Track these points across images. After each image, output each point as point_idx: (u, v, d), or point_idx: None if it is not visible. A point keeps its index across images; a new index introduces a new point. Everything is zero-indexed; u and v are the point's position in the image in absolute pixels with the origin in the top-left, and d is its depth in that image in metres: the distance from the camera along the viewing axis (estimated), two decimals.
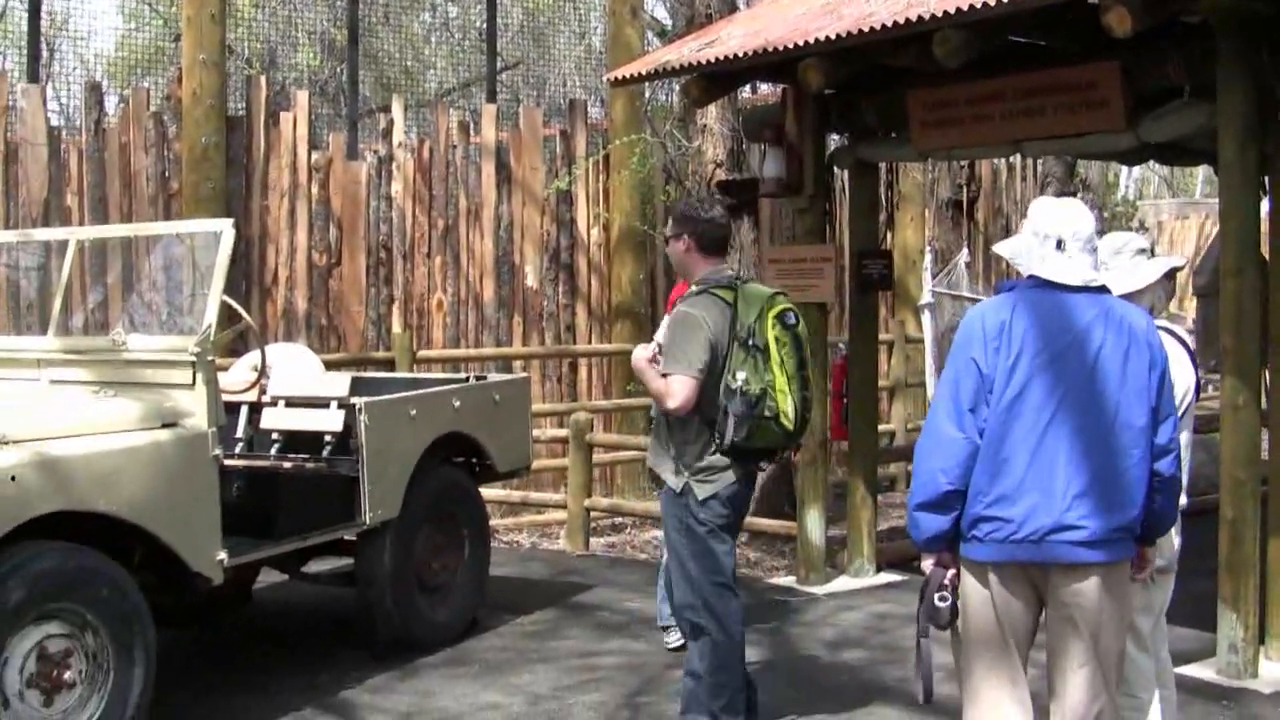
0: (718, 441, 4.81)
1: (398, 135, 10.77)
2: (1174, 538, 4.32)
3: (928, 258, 11.56)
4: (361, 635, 6.39)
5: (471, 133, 11.09)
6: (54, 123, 10.32)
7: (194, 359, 5.28)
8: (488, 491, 7.79)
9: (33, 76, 10.33)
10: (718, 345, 4.82)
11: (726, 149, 9.47)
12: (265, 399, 6.63)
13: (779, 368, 4.80)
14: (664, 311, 6.09)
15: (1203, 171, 25.64)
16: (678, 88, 10.21)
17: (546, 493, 10.20)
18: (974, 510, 3.69)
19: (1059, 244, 3.75)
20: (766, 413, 4.76)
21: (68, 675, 4.71)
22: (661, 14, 17.21)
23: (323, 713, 5.59)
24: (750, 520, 8.16)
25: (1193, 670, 5.87)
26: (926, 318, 10.75)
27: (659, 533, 7.53)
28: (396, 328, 10.49)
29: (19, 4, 14.83)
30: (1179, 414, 4.04)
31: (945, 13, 5.88)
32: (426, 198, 10.81)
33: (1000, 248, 4.04)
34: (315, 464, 6.37)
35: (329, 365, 7.86)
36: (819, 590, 7.72)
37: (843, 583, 7.89)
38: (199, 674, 6.15)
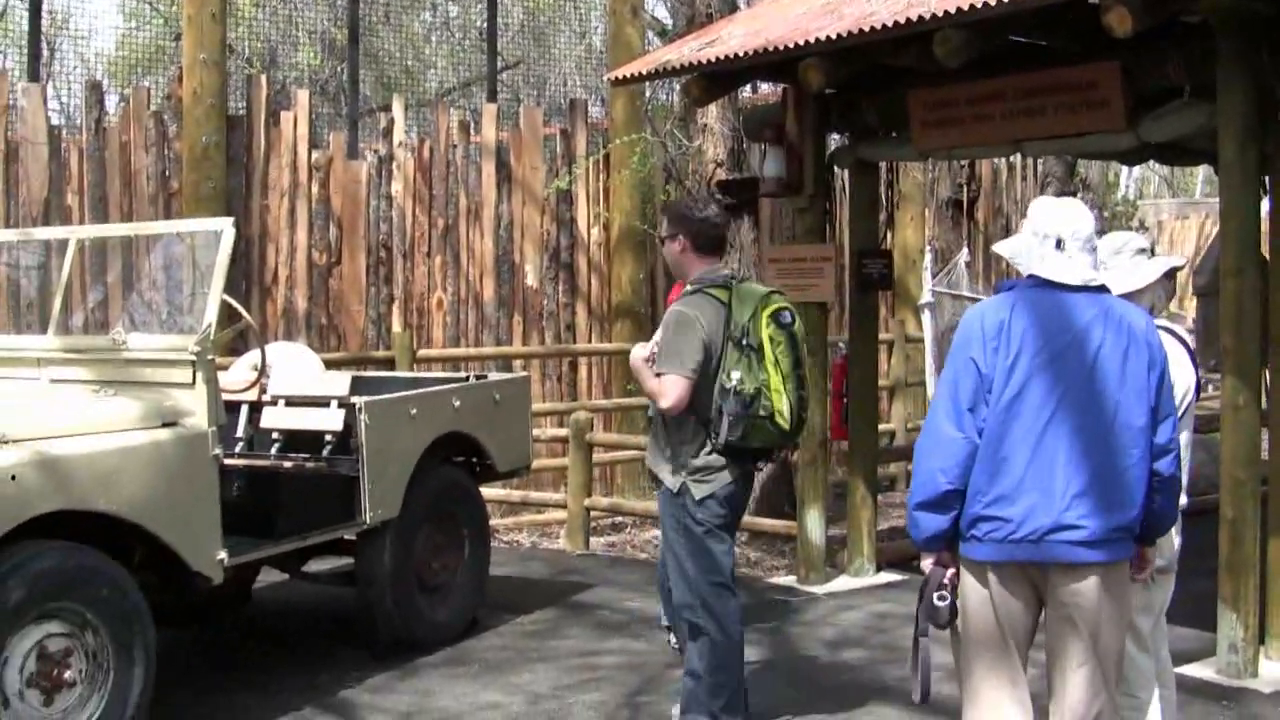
0: (713, 441, 4.81)
1: (398, 134, 10.77)
2: (1174, 538, 4.32)
3: (928, 257, 11.56)
4: (361, 635, 6.39)
5: (472, 132, 11.08)
6: (54, 122, 10.32)
7: (194, 358, 5.28)
8: (488, 491, 7.79)
9: (33, 75, 10.33)
10: (712, 345, 4.82)
11: (727, 148, 9.47)
12: (265, 398, 6.63)
13: (773, 367, 4.79)
14: (664, 311, 6.09)
15: (1203, 171, 25.65)
16: (678, 87, 10.20)
17: (546, 492, 10.21)
18: (973, 510, 3.69)
19: (1058, 243, 3.75)
20: (761, 412, 4.76)
21: (68, 674, 4.71)
22: (662, 13, 17.20)
23: (323, 712, 5.59)
24: (750, 520, 8.18)
25: (1193, 670, 5.87)
26: (926, 317, 10.75)
27: (659, 532, 7.53)
28: (396, 327, 10.49)
29: (20, 3, 14.83)
30: (1179, 414, 4.04)
31: (946, 12, 5.88)
32: (427, 197, 10.81)
33: (1000, 247, 4.05)
34: (315, 463, 6.37)
35: (329, 364, 7.86)
36: (819, 590, 7.72)
37: (843, 582, 7.90)
38: (199, 673, 6.16)
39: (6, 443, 4.67)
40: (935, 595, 3.81)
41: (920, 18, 5.99)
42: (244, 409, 6.70)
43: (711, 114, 9.43)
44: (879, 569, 8.04)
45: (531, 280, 11.12)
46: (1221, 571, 5.96)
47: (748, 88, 10.66)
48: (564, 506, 9.47)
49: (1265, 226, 6.32)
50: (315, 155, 10.48)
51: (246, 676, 6.06)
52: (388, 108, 11.47)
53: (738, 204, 9.36)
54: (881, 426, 10.27)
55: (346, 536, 6.32)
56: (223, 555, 5.29)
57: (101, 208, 9.76)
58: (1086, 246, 3.78)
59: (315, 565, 6.81)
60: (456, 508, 6.78)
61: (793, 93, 7.73)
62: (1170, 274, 4.52)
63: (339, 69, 14.70)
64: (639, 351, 5.01)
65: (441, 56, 17.76)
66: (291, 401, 6.60)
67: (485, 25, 13.20)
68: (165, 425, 5.20)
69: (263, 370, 6.29)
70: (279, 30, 14.79)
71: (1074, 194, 12.56)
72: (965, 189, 13.19)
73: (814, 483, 7.90)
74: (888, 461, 10.91)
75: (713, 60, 7.13)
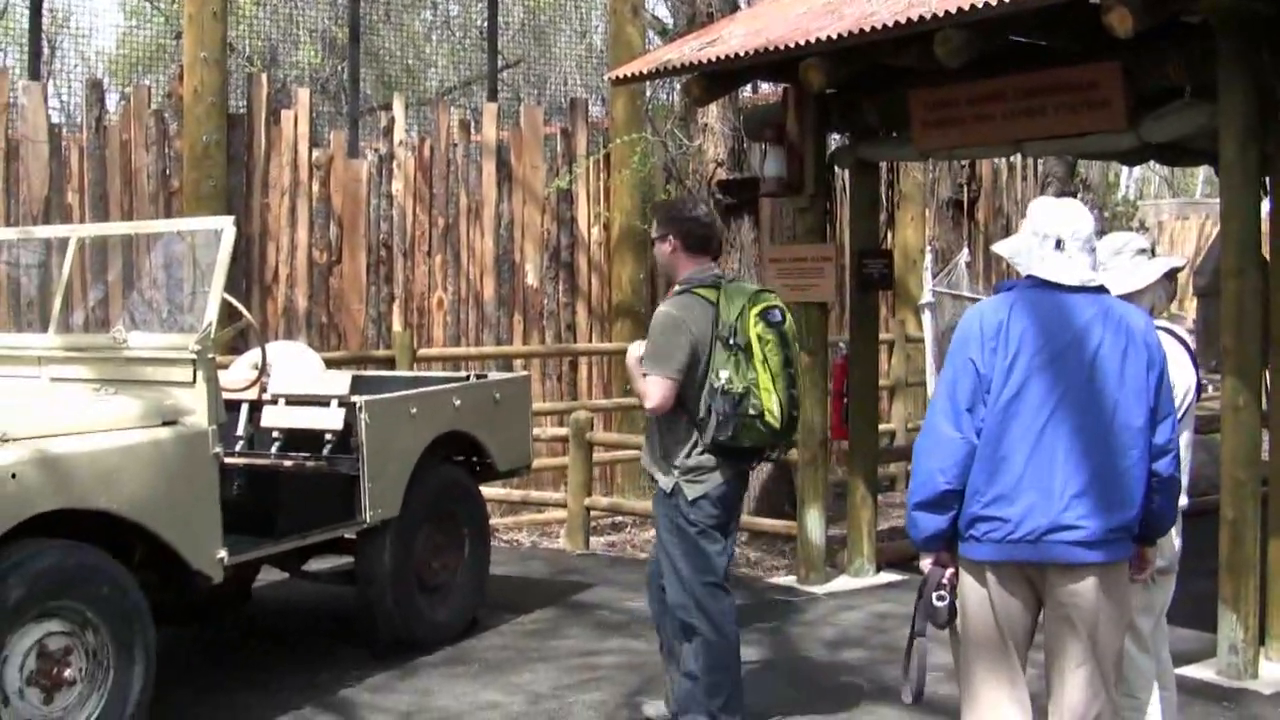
0: (702, 440, 4.81)
1: (399, 133, 10.77)
2: (1175, 538, 4.32)
3: (928, 257, 11.56)
4: (362, 634, 6.39)
5: (472, 131, 11.08)
6: (55, 120, 10.31)
7: (194, 357, 5.28)
8: (488, 490, 7.79)
9: (34, 74, 10.32)
10: (700, 345, 4.82)
11: (727, 148, 9.47)
12: (266, 397, 6.63)
13: (762, 365, 4.78)
14: None
15: (1203, 172, 25.65)
16: (679, 87, 10.20)
17: (547, 491, 10.21)
18: (971, 510, 3.70)
19: (1058, 244, 3.75)
20: (751, 411, 4.75)
21: (68, 673, 4.71)
22: (663, 13, 17.19)
23: (323, 711, 5.59)
24: (750, 520, 8.18)
25: (1193, 671, 5.87)
26: (927, 317, 10.74)
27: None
28: (397, 326, 10.50)
29: (20, 1, 14.83)
30: (1179, 414, 4.05)
31: (946, 12, 5.88)
32: (427, 196, 10.81)
33: (999, 247, 4.04)
34: (315, 462, 6.37)
35: (329, 363, 7.85)
36: (819, 590, 7.72)
37: (843, 582, 7.90)
38: (199, 671, 6.16)
39: (7, 441, 4.67)
40: (934, 595, 3.82)
41: (921, 18, 5.99)
42: (244, 408, 6.70)
43: (712, 113, 9.43)
44: (879, 569, 8.04)
45: (532, 279, 11.12)
46: (1222, 572, 5.96)
47: (748, 87, 10.66)
48: (564, 506, 9.47)
49: (1266, 227, 6.32)
50: (316, 154, 10.48)
51: (247, 675, 6.06)
52: (388, 106, 11.47)
53: (738, 204, 9.36)
54: (882, 426, 10.27)
55: (347, 535, 6.33)
56: (223, 554, 5.29)
57: (102, 206, 9.76)
58: (1086, 247, 3.79)
59: (315, 564, 6.81)
60: (457, 507, 6.78)
61: (793, 92, 7.73)
62: (1171, 274, 4.52)
63: (340, 67, 14.70)
64: (634, 350, 5.02)
65: (442, 55, 17.76)
66: (292, 400, 6.60)
67: (486, 24, 13.19)
68: (166, 424, 5.20)
69: (263, 369, 6.29)
70: (280, 29, 14.79)
71: (1074, 194, 12.57)
72: (966, 189, 13.20)
73: (814, 482, 7.90)
74: (888, 461, 10.91)
75: (713, 60, 7.13)
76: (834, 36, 6.40)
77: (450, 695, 5.80)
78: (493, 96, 11.89)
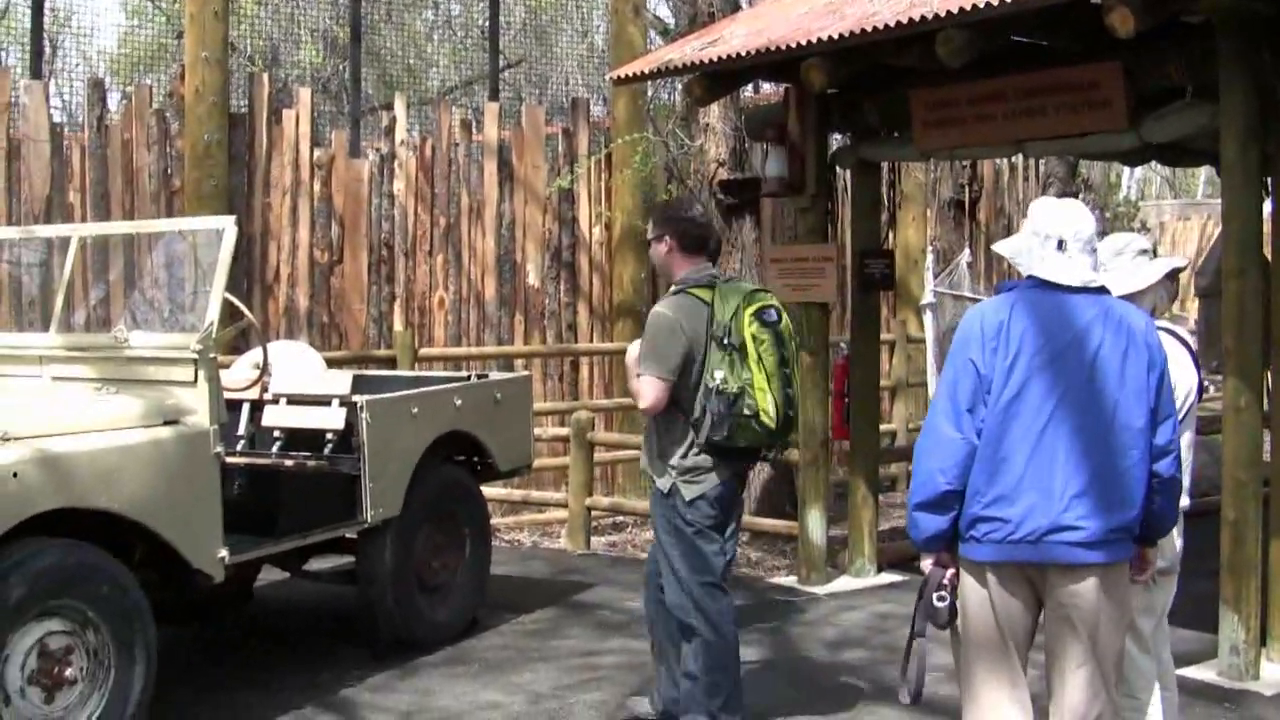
0: (697, 440, 4.81)
1: (400, 133, 10.77)
2: (1176, 539, 4.32)
3: (929, 257, 11.55)
4: (362, 634, 6.39)
5: (474, 131, 11.08)
6: (57, 119, 10.32)
7: (196, 356, 5.28)
8: (489, 490, 7.79)
9: (35, 73, 10.33)
10: (694, 346, 4.82)
11: (729, 148, 9.47)
12: (267, 396, 6.63)
13: (757, 365, 4.77)
14: None
15: (1205, 172, 25.66)
16: (680, 86, 10.20)
17: (547, 491, 10.20)
18: (972, 510, 3.70)
19: (1060, 244, 3.75)
20: (746, 411, 4.74)
21: (69, 672, 4.71)
22: (664, 13, 17.19)
23: (323, 711, 5.59)
24: (751, 520, 8.18)
25: (1194, 672, 5.87)
26: (928, 318, 10.73)
27: None
28: (398, 326, 10.49)
29: (22, 1, 14.83)
30: (1181, 415, 4.04)
31: (948, 12, 5.88)
32: (429, 195, 10.81)
33: (1000, 246, 4.04)
34: (316, 462, 6.37)
35: (330, 363, 7.85)
36: (820, 590, 7.72)
37: (844, 583, 7.89)
38: (200, 670, 6.16)
39: (8, 440, 4.67)
40: (935, 596, 3.82)
41: (923, 18, 5.99)
42: (245, 407, 6.70)
43: (713, 113, 9.43)
44: (880, 569, 8.04)
45: (533, 279, 11.12)
46: (1223, 573, 5.95)
47: (749, 87, 10.66)
48: (565, 506, 9.47)
49: (1267, 228, 6.31)
50: (317, 153, 10.48)
51: (247, 674, 6.06)
52: (390, 106, 11.47)
53: (740, 204, 9.36)
54: (883, 427, 10.26)
55: (347, 535, 6.33)
56: (224, 553, 5.29)
57: (103, 205, 9.76)
58: (1087, 248, 3.79)
59: (316, 564, 6.81)
60: (457, 507, 6.78)
61: (795, 92, 7.73)
62: (1172, 275, 4.52)
63: (341, 67, 14.70)
64: (634, 350, 5.03)
65: (443, 55, 17.76)
66: (293, 400, 6.60)
67: (487, 24, 13.19)
68: (167, 423, 5.20)
69: (264, 369, 6.29)
70: (281, 28, 14.80)
71: (1076, 195, 12.56)
72: (967, 189, 13.19)
73: (815, 483, 7.90)
74: (889, 462, 10.91)
75: (715, 60, 7.12)
76: (835, 36, 6.40)
77: (451, 695, 5.80)
78: (494, 96, 11.89)
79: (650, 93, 12.61)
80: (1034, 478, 3.63)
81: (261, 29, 14.60)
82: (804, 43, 6.58)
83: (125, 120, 9.99)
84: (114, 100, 12.62)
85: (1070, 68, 6.55)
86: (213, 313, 5.33)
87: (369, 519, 6.08)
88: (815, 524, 7.85)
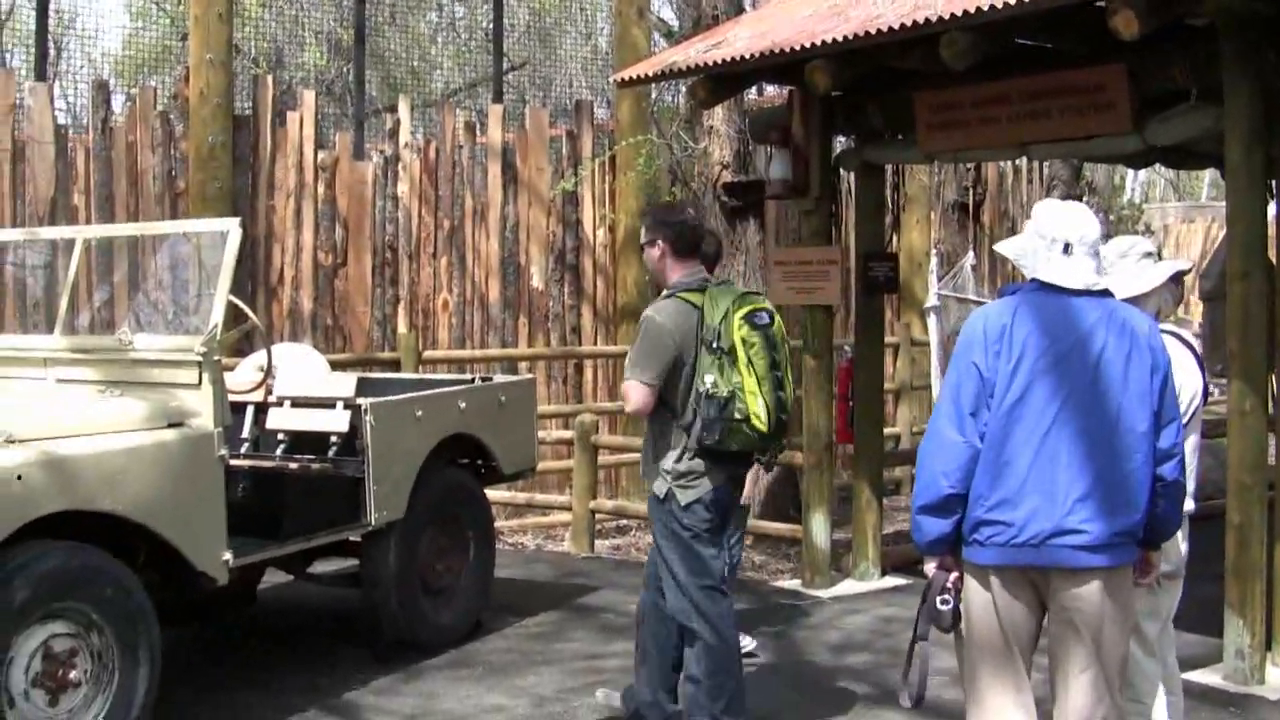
0: (690, 445, 4.81)
1: (404, 135, 10.78)
2: (1181, 543, 4.31)
3: (933, 260, 11.54)
4: (366, 636, 6.39)
5: (478, 133, 11.09)
6: (61, 121, 10.33)
7: (200, 358, 5.28)
8: (493, 493, 7.79)
9: (40, 75, 10.34)
10: (684, 350, 4.82)
11: (733, 150, 9.47)
12: (271, 399, 6.64)
13: (747, 369, 4.76)
14: None
15: (1209, 175, 25.64)
16: (684, 89, 10.20)
17: (551, 494, 10.20)
18: (975, 514, 3.69)
19: (1066, 248, 3.74)
20: (736, 415, 4.73)
21: (73, 675, 4.71)
22: (668, 15, 17.20)
23: (326, 713, 5.59)
24: (755, 523, 8.18)
25: (1199, 676, 5.86)
26: (932, 320, 10.73)
27: None
28: (402, 328, 10.50)
29: (27, 3, 14.85)
30: (1186, 418, 4.04)
31: (952, 15, 5.88)
32: (432, 198, 10.81)
33: (1002, 247, 4.01)
34: (321, 464, 6.37)
35: (334, 365, 7.85)
36: (824, 594, 7.71)
37: (848, 586, 7.89)
38: (202, 671, 6.16)
39: (13, 442, 4.68)
40: (938, 599, 3.82)
41: (927, 20, 5.98)
42: (249, 410, 6.71)
43: (717, 116, 9.43)
44: (884, 573, 8.03)
45: (537, 282, 11.12)
46: (1228, 577, 5.94)
47: (753, 90, 10.65)
48: (569, 509, 9.46)
49: (1272, 230, 6.31)
50: (321, 156, 10.49)
51: (249, 675, 6.06)
52: (394, 108, 11.47)
53: (743, 206, 9.36)
54: (887, 430, 10.26)
55: (351, 538, 6.32)
56: (228, 556, 5.30)
57: (108, 207, 9.77)
58: (1091, 251, 3.78)
59: (320, 566, 6.81)
60: (461, 510, 6.78)
61: (798, 95, 7.73)
62: (1177, 278, 4.51)
63: (345, 69, 14.70)
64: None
65: (447, 57, 17.77)
66: (297, 402, 6.60)
67: (491, 26, 13.20)
68: (171, 426, 5.21)
69: (268, 371, 6.29)
70: (285, 30, 14.82)
71: (1080, 197, 12.55)
72: (971, 192, 13.18)
73: (819, 486, 7.89)
74: (893, 465, 10.87)
75: (719, 62, 7.12)
76: (840, 39, 6.40)
77: (454, 698, 5.80)
78: (498, 98, 11.90)
79: (654, 95, 12.61)
80: (1037, 481, 3.62)
81: (266, 31, 14.62)
82: (808, 45, 6.57)
83: (130, 122, 10.01)
84: (119, 102, 12.64)
85: (1074, 70, 6.54)
86: (217, 315, 5.33)
87: (373, 522, 6.08)
88: (819, 527, 7.85)
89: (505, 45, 13.37)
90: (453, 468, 6.80)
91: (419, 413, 6.39)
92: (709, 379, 4.74)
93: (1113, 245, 4.49)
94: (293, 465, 6.41)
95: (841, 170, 8.28)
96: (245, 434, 6.72)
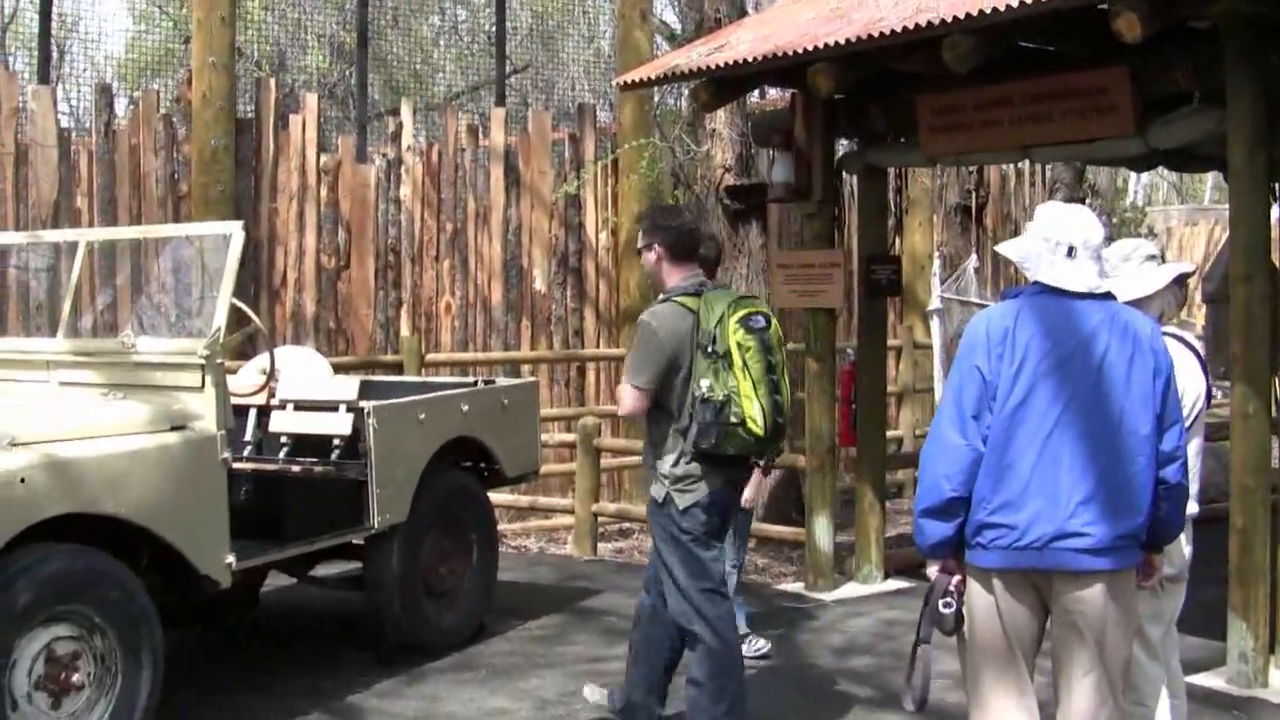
0: (687, 449, 4.81)
1: (406, 138, 10.79)
2: (1185, 546, 4.31)
3: (936, 263, 11.56)
4: (369, 639, 6.39)
5: (480, 136, 11.09)
6: (64, 124, 10.33)
7: (203, 362, 5.28)
8: (495, 496, 7.79)
9: (43, 78, 10.35)
10: (679, 355, 4.82)
11: (735, 154, 9.47)
12: (274, 402, 6.63)
13: (743, 373, 4.75)
14: None
15: (1212, 178, 25.63)
16: (687, 92, 10.21)
17: (554, 497, 10.19)
18: (978, 517, 3.69)
19: (1070, 251, 3.74)
20: (732, 419, 4.73)
21: (76, 678, 4.71)
22: (671, 18, 17.22)
23: (329, 716, 5.59)
24: (758, 526, 8.17)
25: (1203, 679, 5.85)
26: (935, 323, 10.75)
27: None
28: (405, 331, 10.50)
29: (30, 6, 14.87)
30: (1189, 421, 4.04)
31: (955, 18, 5.87)
32: (435, 201, 10.82)
33: (1005, 249, 4.00)
34: (323, 467, 6.36)
35: (337, 368, 7.85)
36: (827, 597, 7.71)
37: (851, 589, 7.88)
38: (205, 674, 6.16)
39: (16, 445, 4.68)
40: (941, 602, 3.82)
41: (929, 23, 5.98)
42: (252, 413, 6.70)
43: (720, 119, 9.43)
44: (887, 576, 8.03)
45: (540, 285, 11.13)
46: (1231, 580, 5.93)
47: (756, 93, 10.66)
48: (571, 512, 9.46)
49: (1275, 233, 6.30)
50: (324, 159, 10.50)
51: (252, 679, 6.06)
52: (396, 111, 11.48)
53: (746, 209, 9.37)
54: (890, 433, 10.26)
55: (354, 541, 6.32)
56: (230, 559, 5.30)
57: (111, 210, 9.78)
58: (1094, 254, 3.78)
59: (323, 569, 6.81)
60: (464, 513, 6.78)
61: (801, 98, 7.73)
62: (1180, 281, 4.51)
63: (347, 73, 14.73)
64: None
65: (450, 60, 17.79)
66: (300, 405, 6.60)
67: (494, 29, 13.21)
68: (174, 429, 5.21)
69: (271, 374, 6.29)
70: (288, 34, 14.84)
71: (1083, 200, 12.55)
72: (974, 195, 13.18)
73: (822, 489, 7.89)
74: (896, 468, 10.88)
75: (722, 65, 7.12)
76: (842, 42, 6.40)
77: (458, 701, 5.80)
78: (501, 101, 11.90)
79: (657, 98, 12.60)
80: (1040, 484, 3.62)
81: (268, 34, 14.63)
82: (811, 48, 6.57)
83: (132, 125, 10.01)
84: (121, 105, 12.66)
85: (1077, 73, 6.54)
86: (220, 318, 5.33)
87: (376, 525, 6.08)
88: (822, 530, 7.85)
89: (508, 48, 13.38)
90: (455, 471, 6.80)
91: (422, 416, 6.39)
92: (704, 383, 4.74)
93: (1116, 248, 4.49)
94: (295, 468, 6.41)
95: (844, 173, 8.28)
96: (248, 437, 6.71)
